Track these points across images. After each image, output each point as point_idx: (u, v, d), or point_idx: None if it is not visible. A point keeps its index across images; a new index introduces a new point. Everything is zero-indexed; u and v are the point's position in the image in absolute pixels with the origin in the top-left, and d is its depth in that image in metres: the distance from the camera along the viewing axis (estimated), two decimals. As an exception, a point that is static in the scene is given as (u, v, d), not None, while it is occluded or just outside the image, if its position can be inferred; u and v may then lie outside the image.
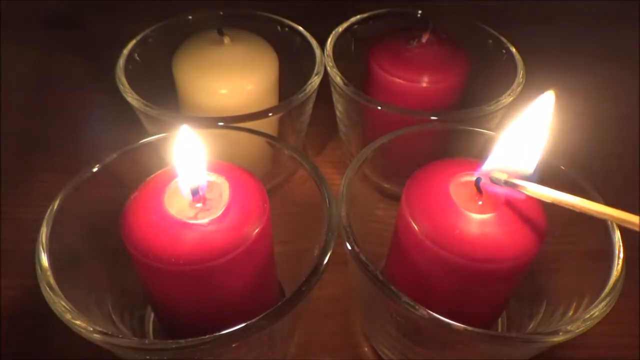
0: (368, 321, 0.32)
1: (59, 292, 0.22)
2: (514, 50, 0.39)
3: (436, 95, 0.37)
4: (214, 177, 0.25)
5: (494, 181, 0.24)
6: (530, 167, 0.24)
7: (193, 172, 0.24)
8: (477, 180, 0.25)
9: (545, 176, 0.29)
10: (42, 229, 0.24)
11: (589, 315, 0.23)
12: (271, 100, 0.38)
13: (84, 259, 0.26)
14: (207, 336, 0.21)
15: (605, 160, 0.45)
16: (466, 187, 0.26)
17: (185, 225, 0.23)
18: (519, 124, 0.24)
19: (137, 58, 0.38)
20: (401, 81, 0.37)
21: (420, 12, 0.43)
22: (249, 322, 0.21)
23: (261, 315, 0.22)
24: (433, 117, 0.34)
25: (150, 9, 0.46)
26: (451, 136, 0.33)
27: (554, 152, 0.29)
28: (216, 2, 0.37)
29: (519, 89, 0.36)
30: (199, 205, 0.24)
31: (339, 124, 0.42)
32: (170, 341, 0.21)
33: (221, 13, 0.41)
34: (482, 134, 0.32)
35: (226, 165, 0.26)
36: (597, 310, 0.23)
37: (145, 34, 0.39)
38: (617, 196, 0.26)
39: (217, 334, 0.21)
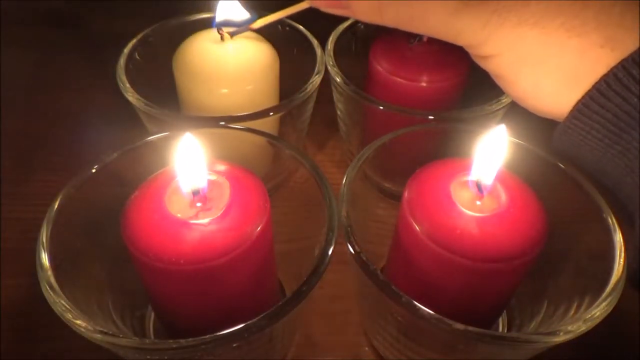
0: (368, 321, 0.31)
1: (60, 292, 0.22)
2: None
3: (437, 95, 0.37)
4: (214, 177, 0.25)
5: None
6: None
7: (194, 172, 0.24)
8: (478, 181, 0.25)
9: (545, 175, 0.29)
10: (42, 228, 0.24)
11: (590, 316, 0.23)
12: (272, 100, 0.38)
13: (84, 259, 0.26)
14: (207, 336, 0.21)
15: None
16: (467, 187, 0.26)
17: (185, 224, 0.23)
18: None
19: (138, 57, 0.38)
20: (402, 80, 0.36)
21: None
22: (249, 322, 0.21)
23: (261, 315, 0.22)
24: (433, 117, 0.34)
25: (150, 9, 0.46)
26: (452, 136, 0.33)
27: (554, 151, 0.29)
28: (216, 2, 0.37)
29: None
30: (200, 204, 0.24)
31: (340, 123, 0.42)
32: (170, 341, 0.21)
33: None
34: (483, 133, 0.32)
35: (227, 165, 0.26)
36: (598, 310, 0.23)
37: (145, 34, 0.39)
38: (617, 196, 0.26)
39: (217, 334, 0.21)
